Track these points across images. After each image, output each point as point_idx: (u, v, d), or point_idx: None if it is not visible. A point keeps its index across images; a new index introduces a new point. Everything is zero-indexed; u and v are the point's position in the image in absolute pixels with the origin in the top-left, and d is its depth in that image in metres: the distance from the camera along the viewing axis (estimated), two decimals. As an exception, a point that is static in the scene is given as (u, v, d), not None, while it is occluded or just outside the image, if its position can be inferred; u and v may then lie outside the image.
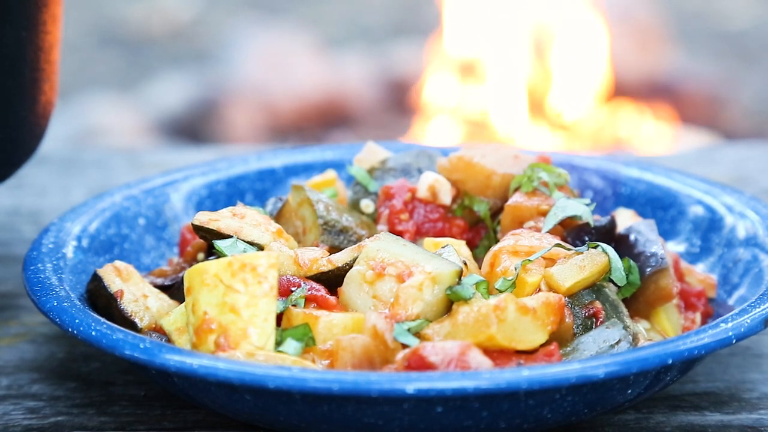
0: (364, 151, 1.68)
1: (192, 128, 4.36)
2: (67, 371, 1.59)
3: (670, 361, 1.33)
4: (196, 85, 4.53)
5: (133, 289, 1.51)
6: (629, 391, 1.37)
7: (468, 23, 4.13)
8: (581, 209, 1.53)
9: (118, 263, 1.54)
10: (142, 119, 4.40)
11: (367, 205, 1.62)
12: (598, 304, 1.44)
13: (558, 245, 1.46)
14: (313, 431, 1.36)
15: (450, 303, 1.39)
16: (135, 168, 2.23)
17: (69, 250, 1.59)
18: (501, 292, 1.42)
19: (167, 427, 1.47)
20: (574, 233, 1.53)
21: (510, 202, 1.55)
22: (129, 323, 1.48)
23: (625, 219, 1.63)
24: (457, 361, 1.32)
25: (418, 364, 1.33)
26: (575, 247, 1.49)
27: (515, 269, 1.44)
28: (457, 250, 1.47)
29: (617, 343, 1.40)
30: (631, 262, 1.50)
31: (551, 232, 1.51)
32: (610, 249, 1.46)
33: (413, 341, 1.36)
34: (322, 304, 1.43)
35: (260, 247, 1.48)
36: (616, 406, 1.39)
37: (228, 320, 1.37)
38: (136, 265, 1.64)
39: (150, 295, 1.51)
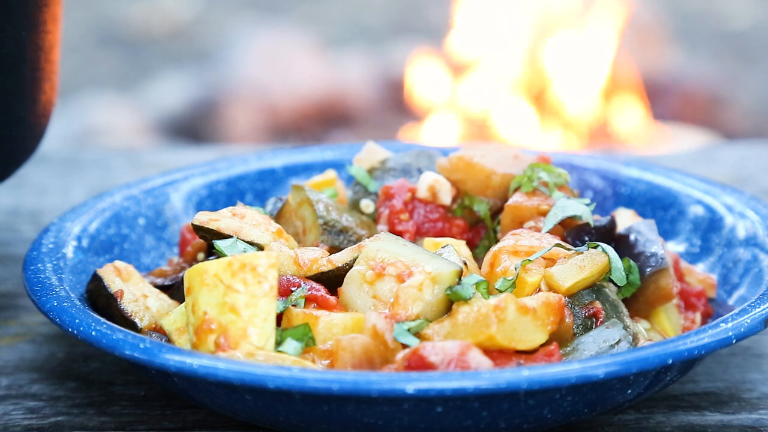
0: (364, 151, 1.68)
1: (192, 128, 4.35)
2: (67, 371, 1.58)
3: (670, 361, 1.33)
4: (196, 85, 4.53)
5: (133, 289, 1.51)
6: (629, 391, 1.37)
7: (468, 23, 4.13)
8: (581, 209, 1.53)
9: (118, 263, 1.54)
10: (142, 119, 4.40)
11: (367, 205, 1.62)
12: (598, 304, 1.44)
13: (558, 245, 1.46)
14: (313, 431, 1.36)
15: (450, 303, 1.39)
16: (135, 168, 2.23)
17: (69, 250, 1.58)
18: (501, 292, 1.42)
19: (167, 427, 1.47)
20: (574, 233, 1.53)
21: (510, 202, 1.55)
22: (129, 323, 1.48)
23: (625, 219, 1.63)
24: (457, 361, 1.32)
25: (418, 364, 1.33)
26: (575, 247, 1.49)
27: (515, 269, 1.44)
28: (457, 250, 1.47)
29: (617, 343, 1.39)
30: (631, 262, 1.50)
31: (551, 232, 1.51)
32: (610, 249, 1.46)
33: (413, 341, 1.36)
34: (322, 304, 1.43)
35: (260, 247, 1.48)
36: (616, 406, 1.39)
37: (228, 320, 1.37)
38: (136, 265, 1.64)
39: (150, 295, 1.51)
